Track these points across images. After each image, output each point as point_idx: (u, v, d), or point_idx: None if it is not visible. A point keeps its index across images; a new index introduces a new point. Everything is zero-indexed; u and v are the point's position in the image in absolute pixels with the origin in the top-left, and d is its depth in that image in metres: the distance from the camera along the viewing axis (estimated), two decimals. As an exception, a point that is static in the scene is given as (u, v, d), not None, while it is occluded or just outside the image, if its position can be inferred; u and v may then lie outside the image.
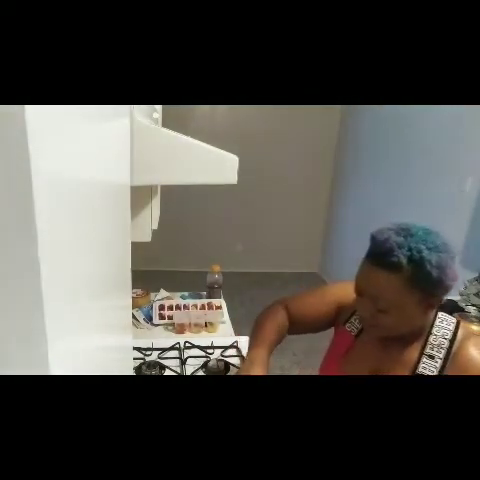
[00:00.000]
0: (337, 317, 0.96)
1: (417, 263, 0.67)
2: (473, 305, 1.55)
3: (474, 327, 1.40)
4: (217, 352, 1.31)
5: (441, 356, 0.74)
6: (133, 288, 1.30)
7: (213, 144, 0.78)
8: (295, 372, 2.50)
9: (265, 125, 3.77)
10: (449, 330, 0.77)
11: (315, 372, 1.00)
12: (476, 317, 1.46)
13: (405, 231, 0.70)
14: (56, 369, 0.23)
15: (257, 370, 0.84)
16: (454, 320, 0.79)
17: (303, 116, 3.71)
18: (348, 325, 0.91)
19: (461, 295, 1.60)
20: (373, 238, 0.74)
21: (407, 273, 0.68)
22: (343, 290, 0.97)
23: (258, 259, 4.18)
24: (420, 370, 0.75)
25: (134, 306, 1.56)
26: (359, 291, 0.77)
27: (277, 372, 2.43)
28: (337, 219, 3.88)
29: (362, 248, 0.82)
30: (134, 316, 1.52)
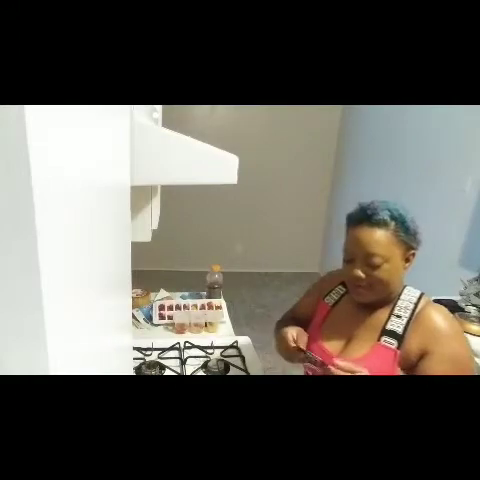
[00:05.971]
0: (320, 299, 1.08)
1: (398, 219, 0.83)
2: (473, 305, 1.55)
3: (474, 327, 1.39)
4: (217, 352, 1.31)
5: (407, 315, 0.87)
6: (133, 288, 1.30)
7: (213, 144, 0.78)
8: (295, 372, 2.50)
9: (265, 125, 3.77)
10: (414, 297, 0.90)
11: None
12: (476, 317, 1.45)
13: (380, 201, 0.87)
14: (56, 369, 0.23)
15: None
16: (418, 292, 0.92)
17: (303, 116, 3.71)
18: (327, 298, 1.04)
19: (461, 295, 1.60)
20: (359, 206, 0.88)
21: (392, 228, 0.83)
22: (323, 277, 1.12)
23: (258, 259, 4.18)
24: (389, 327, 0.87)
25: (134, 306, 1.56)
26: (350, 256, 0.87)
27: (277, 372, 2.43)
28: (337, 219, 3.88)
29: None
30: (134, 316, 1.52)
